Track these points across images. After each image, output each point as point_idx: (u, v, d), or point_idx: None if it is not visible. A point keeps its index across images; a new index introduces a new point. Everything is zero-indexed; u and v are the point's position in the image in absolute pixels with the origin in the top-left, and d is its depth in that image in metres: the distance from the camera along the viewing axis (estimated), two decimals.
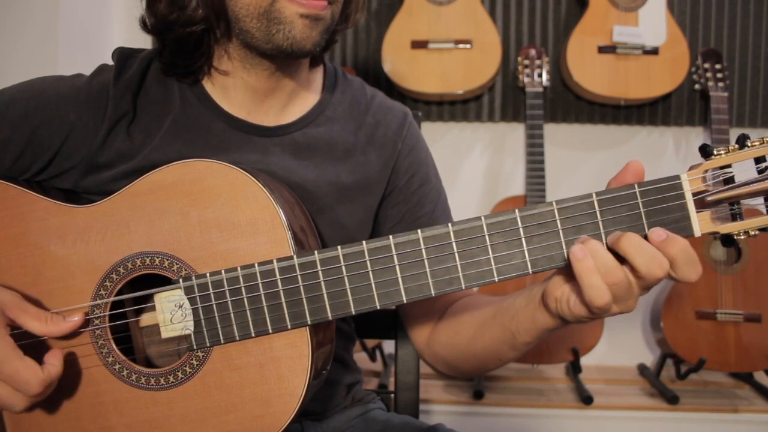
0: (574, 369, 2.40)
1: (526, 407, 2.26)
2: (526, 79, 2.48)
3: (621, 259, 0.72)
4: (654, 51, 2.42)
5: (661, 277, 0.70)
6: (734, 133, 2.44)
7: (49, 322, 0.83)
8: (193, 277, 0.83)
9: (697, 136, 2.66)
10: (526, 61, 2.51)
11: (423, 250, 0.77)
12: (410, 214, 1.08)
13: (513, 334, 0.87)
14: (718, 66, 2.48)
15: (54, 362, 0.82)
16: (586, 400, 2.24)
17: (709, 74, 2.48)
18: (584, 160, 2.68)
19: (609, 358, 2.65)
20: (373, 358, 2.50)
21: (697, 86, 2.54)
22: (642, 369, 2.59)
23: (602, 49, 2.44)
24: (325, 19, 0.90)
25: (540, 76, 2.48)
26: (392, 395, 1.26)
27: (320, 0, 0.88)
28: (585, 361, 2.46)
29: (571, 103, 2.63)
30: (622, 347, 2.65)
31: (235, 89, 0.98)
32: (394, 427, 1.07)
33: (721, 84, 2.45)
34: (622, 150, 2.68)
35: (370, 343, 2.49)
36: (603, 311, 0.73)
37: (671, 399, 2.24)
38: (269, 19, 0.88)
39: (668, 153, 2.67)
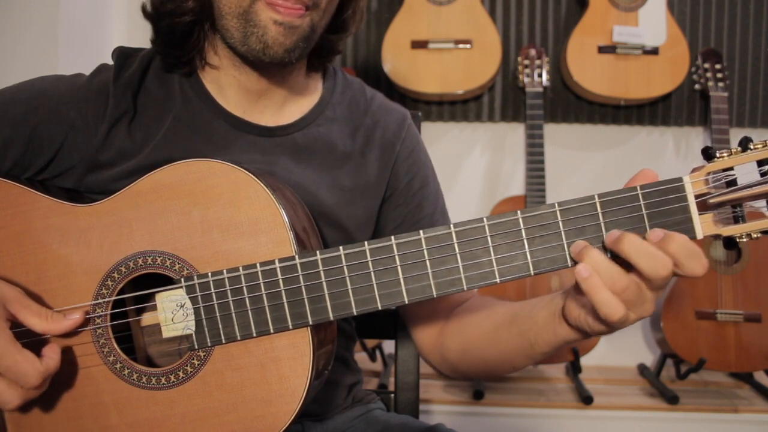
0: (574, 369, 2.40)
1: (526, 407, 2.26)
2: (526, 79, 2.48)
3: (626, 265, 0.72)
4: (654, 51, 2.42)
5: (667, 275, 0.70)
6: (734, 133, 2.44)
7: (49, 319, 0.83)
8: (195, 277, 0.83)
9: (697, 136, 2.66)
10: (526, 61, 2.51)
11: (425, 251, 0.77)
12: (410, 217, 1.08)
13: (531, 344, 0.87)
14: (718, 66, 2.48)
15: (52, 355, 0.82)
16: (586, 400, 2.24)
17: (709, 74, 2.48)
18: (584, 160, 2.68)
19: (609, 358, 2.65)
20: (373, 358, 2.50)
21: (697, 86, 2.54)
22: (642, 369, 2.59)
23: (602, 49, 2.44)
24: (301, 27, 0.89)
25: (540, 76, 2.49)
26: (392, 395, 1.26)
27: (297, 8, 0.87)
28: (585, 361, 2.46)
29: (571, 103, 2.63)
30: (622, 347, 2.66)
31: (230, 87, 0.99)
32: (394, 427, 1.07)
33: (721, 84, 2.45)
34: (622, 150, 2.68)
35: (370, 343, 2.49)
36: (621, 323, 0.73)
37: (671, 399, 2.24)
38: (246, 20, 0.88)
39: (668, 153, 2.68)
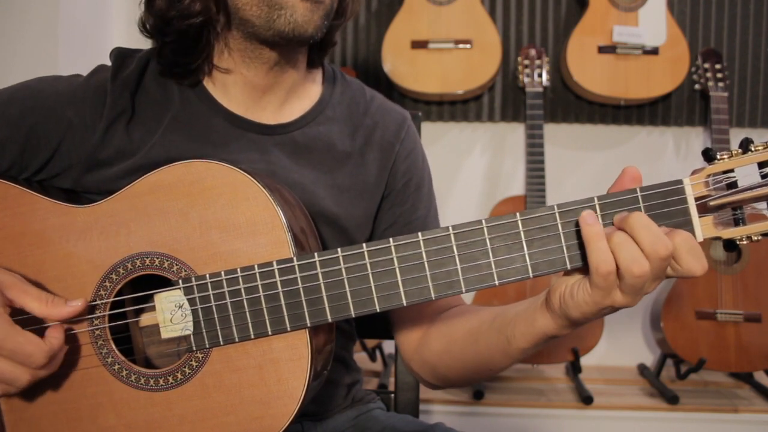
0: (574, 369, 2.40)
1: (526, 407, 2.26)
2: (526, 79, 2.48)
3: None
4: (654, 51, 2.42)
5: (664, 257, 0.69)
6: (734, 134, 2.44)
7: (49, 303, 0.83)
8: (193, 278, 0.83)
9: (697, 136, 2.66)
10: (526, 61, 2.51)
11: (423, 253, 0.77)
12: (403, 218, 1.07)
13: (508, 339, 0.85)
14: (718, 66, 2.48)
15: (55, 335, 0.82)
16: (586, 400, 2.24)
17: (709, 74, 2.48)
18: (584, 160, 2.68)
19: (609, 358, 2.65)
20: (373, 358, 2.50)
21: (697, 86, 2.54)
22: (642, 369, 2.59)
23: (602, 49, 2.44)
24: (324, 3, 0.91)
25: (540, 76, 2.48)
26: (392, 395, 1.26)
27: None
28: (585, 361, 2.46)
29: (571, 103, 2.63)
30: (622, 347, 2.66)
31: (235, 86, 0.99)
32: (394, 426, 1.07)
33: (721, 84, 2.45)
34: (622, 150, 2.68)
35: (370, 343, 2.49)
36: (607, 289, 0.71)
37: (671, 399, 2.24)
38: (270, 5, 0.88)
39: (668, 153, 2.67)
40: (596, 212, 0.73)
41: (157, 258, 0.85)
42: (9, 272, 0.85)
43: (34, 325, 0.85)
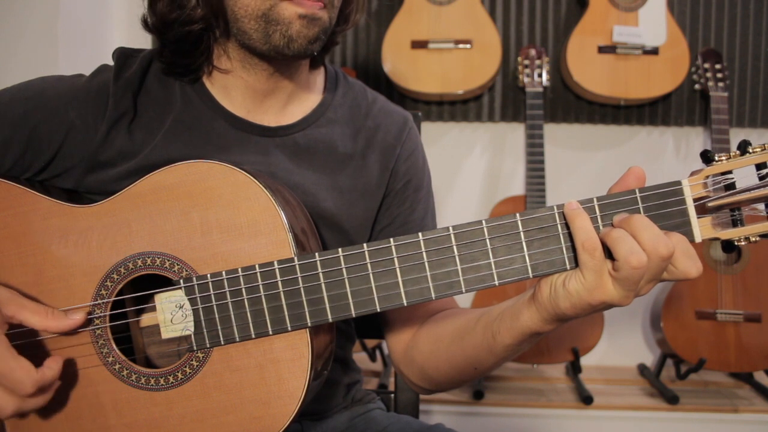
0: (574, 369, 2.40)
1: (526, 407, 2.26)
2: (526, 79, 2.48)
3: None
4: (654, 51, 2.42)
5: (665, 256, 0.69)
6: (734, 133, 2.44)
7: (49, 316, 0.83)
8: (194, 278, 0.83)
9: (697, 136, 2.66)
10: (526, 61, 2.51)
11: (424, 253, 0.77)
12: (401, 218, 1.08)
13: (493, 335, 0.85)
14: (718, 66, 2.48)
15: (52, 365, 0.81)
16: (586, 400, 2.24)
17: (709, 74, 2.48)
18: (584, 160, 2.68)
19: (609, 358, 2.65)
20: (373, 358, 2.50)
21: (697, 86, 2.54)
22: (642, 369, 2.59)
23: (602, 49, 2.44)
24: (322, 19, 0.91)
25: (540, 76, 2.48)
26: (392, 395, 1.27)
27: (318, 2, 0.89)
28: (585, 361, 2.46)
29: (571, 103, 2.63)
30: (622, 347, 2.66)
31: (236, 88, 0.99)
32: (394, 426, 1.07)
33: (721, 84, 2.45)
34: (622, 150, 2.68)
35: (370, 343, 2.49)
36: (597, 270, 0.72)
37: (671, 399, 2.24)
38: (267, 20, 0.88)
39: (668, 153, 2.67)
40: (595, 212, 0.74)
41: (158, 258, 0.85)
42: (5, 288, 0.84)
43: (31, 338, 0.86)
